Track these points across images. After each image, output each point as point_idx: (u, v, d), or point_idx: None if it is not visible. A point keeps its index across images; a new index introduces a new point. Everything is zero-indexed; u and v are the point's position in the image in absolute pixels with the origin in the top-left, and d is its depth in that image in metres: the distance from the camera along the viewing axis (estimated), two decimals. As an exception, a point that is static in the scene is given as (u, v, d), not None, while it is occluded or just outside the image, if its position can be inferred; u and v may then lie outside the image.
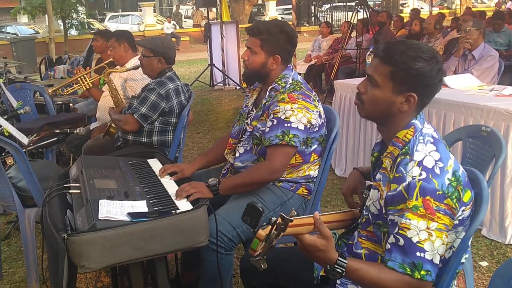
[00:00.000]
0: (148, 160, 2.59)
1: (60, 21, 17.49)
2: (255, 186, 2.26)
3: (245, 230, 2.18)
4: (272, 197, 2.28)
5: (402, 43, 1.53)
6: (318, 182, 2.35)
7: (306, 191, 2.34)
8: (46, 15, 14.92)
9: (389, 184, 1.48)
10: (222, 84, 9.96)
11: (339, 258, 1.41)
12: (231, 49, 9.87)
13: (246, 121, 2.42)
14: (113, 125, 3.45)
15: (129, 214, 1.78)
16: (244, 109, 2.51)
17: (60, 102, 4.92)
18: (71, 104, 5.01)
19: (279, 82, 2.31)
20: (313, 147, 2.30)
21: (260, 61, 2.30)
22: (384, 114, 1.55)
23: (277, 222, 1.35)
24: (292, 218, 1.37)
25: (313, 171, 2.34)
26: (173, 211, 1.85)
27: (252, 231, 1.39)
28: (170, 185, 2.23)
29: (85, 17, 18.26)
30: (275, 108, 2.21)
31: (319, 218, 1.46)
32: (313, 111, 2.23)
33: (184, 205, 1.99)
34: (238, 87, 9.68)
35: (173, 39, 18.30)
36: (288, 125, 2.17)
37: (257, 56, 2.30)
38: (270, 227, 1.36)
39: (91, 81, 3.96)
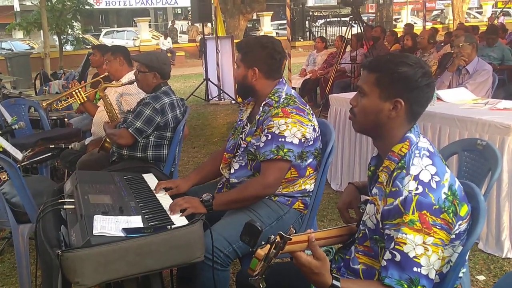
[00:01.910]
0: (143, 175, 2.58)
1: (55, 37, 17.53)
2: (249, 202, 2.25)
3: (241, 246, 2.16)
4: (268, 212, 2.27)
5: (388, 54, 1.59)
6: (314, 196, 2.35)
7: (302, 205, 2.33)
8: (41, 31, 14.97)
9: (386, 198, 1.48)
10: (217, 99, 9.98)
11: (333, 282, 1.39)
12: (226, 64, 9.91)
13: (241, 136, 2.42)
14: (108, 139, 3.44)
15: (124, 229, 1.77)
16: (239, 123, 2.51)
17: (55, 117, 4.91)
18: (66, 119, 5.00)
19: (272, 97, 2.31)
20: (308, 161, 2.29)
21: (241, 74, 2.34)
22: (374, 123, 1.56)
23: (276, 240, 1.34)
24: (291, 237, 1.36)
25: (309, 185, 2.34)
26: (169, 226, 1.84)
27: (251, 250, 1.38)
28: (165, 200, 2.22)
29: (80, 32, 18.32)
30: (269, 123, 2.21)
31: (314, 240, 1.44)
32: (307, 125, 2.23)
33: (179, 220, 1.98)
34: (233, 102, 9.70)
35: (169, 54, 18.38)
36: (283, 139, 2.17)
37: (239, 69, 2.35)
38: (269, 246, 1.35)
39: (86, 95, 3.96)
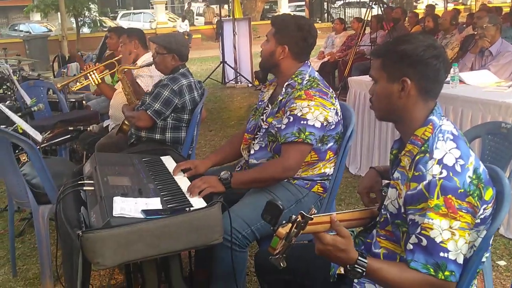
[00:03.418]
0: (161, 157, 2.60)
1: (72, 19, 17.61)
2: (268, 183, 2.25)
3: (259, 228, 2.18)
4: (287, 195, 2.26)
5: (395, 38, 1.60)
6: (334, 180, 2.34)
7: (321, 188, 2.33)
8: (58, 13, 15.04)
9: (408, 183, 1.46)
10: (234, 82, 9.97)
11: (359, 258, 1.39)
12: (243, 46, 9.87)
13: (262, 117, 2.41)
14: (126, 122, 3.46)
15: (143, 211, 1.78)
16: (260, 103, 2.50)
17: (73, 100, 4.95)
18: (84, 102, 5.04)
19: (296, 78, 2.30)
20: (329, 145, 2.28)
21: (270, 49, 2.33)
22: (389, 108, 1.56)
23: (297, 220, 1.34)
24: (312, 216, 1.36)
25: (329, 169, 2.33)
26: (187, 209, 1.85)
27: (272, 229, 1.38)
28: (183, 182, 2.23)
29: (97, 15, 18.38)
30: (292, 105, 2.20)
31: (336, 220, 1.44)
32: (330, 108, 2.22)
33: (198, 202, 1.99)
34: (250, 85, 9.67)
35: (186, 36, 18.35)
36: (305, 122, 2.16)
37: (268, 44, 2.34)
38: (290, 225, 1.35)
39: (101, 76, 3.97)
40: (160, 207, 1.87)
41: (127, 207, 1.80)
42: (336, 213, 1.52)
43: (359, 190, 1.89)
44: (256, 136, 2.41)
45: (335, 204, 2.75)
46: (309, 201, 2.29)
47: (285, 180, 2.29)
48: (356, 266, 1.39)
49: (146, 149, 2.80)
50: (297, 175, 2.28)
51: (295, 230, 1.35)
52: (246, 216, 2.16)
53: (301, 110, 2.17)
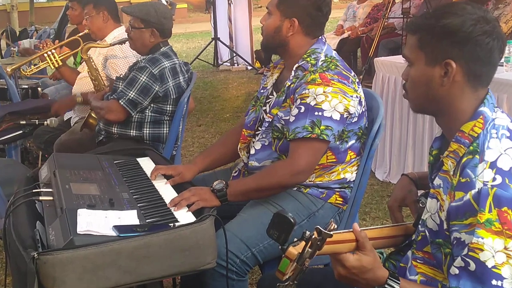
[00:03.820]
0: (138, 159, 2.59)
1: (24, -16, 17.61)
2: (273, 191, 2.25)
3: (262, 250, 2.18)
4: (297, 207, 2.26)
5: (436, 8, 1.58)
6: (356, 188, 2.34)
7: (341, 199, 2.33)
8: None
9: (453, 191, 1.45)
10: (229, 64, 9.99)
11: (390, 278, 1.40)
12: (240, 20, 9.89)
13: (264, 108, 2.41)
14: (93, 114, 3.46)
15: (116, 227, 1.78)
16: (262, 91, 2.50)
17: (26, 86, 4.93)
18: (39, 89, 5.03)
19: (308, 58, 2.29)
20: (350, 143, 2.28)
21: (274, 24, 2.32)
22: (428, 98, 1.55)
23: (313, 237, 1.34)
24: (331, 233, 1.35)
25: (350, 174, 2.33)
26: (171, 224, 1.85)
27: (280, 248, 1.38)
28: (166, 190, 2.23)
29: (56, -22, 18.39)
30: (303, 92, 2.19)
31: (361, 230, 1.44)
32: (351, 96, 2.22)
33: (185, 216, 1.99)
34: (249, 67, 9.69)
35: (168, 6, 18.34)
36: (320, 113, 2.16)
37: (271, 18, 2.33)
38: (303, 243, 1.35)
39: (62, 58, 3.96)
40: (137, 222, 1.86)
41: (95, 222, 1.80)
42: (360, 230, 1.52)
43: (389, 203, 1.89)
44: (257, 132, 2.40)
45: (359, 218, 2.75)
46: (325, 215, 2.29)
47: (295, 188, 2.28)
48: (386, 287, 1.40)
49: (118, 149, 2.80)
50: (310, 181, 2.28)
51: (309, 250, 1.35)
52: (245, 235, 2.16)
53: (315, 98, 2.17)
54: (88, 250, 1.67)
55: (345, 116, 2.20)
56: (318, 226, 1.36)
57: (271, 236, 1.41)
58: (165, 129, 3.22)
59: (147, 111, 3.15)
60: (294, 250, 1.37)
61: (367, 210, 3.96)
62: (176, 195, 2.17)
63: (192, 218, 1.96)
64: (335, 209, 2.32)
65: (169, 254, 1.77)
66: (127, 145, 2.98)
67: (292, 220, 1.38)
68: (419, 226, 1.61)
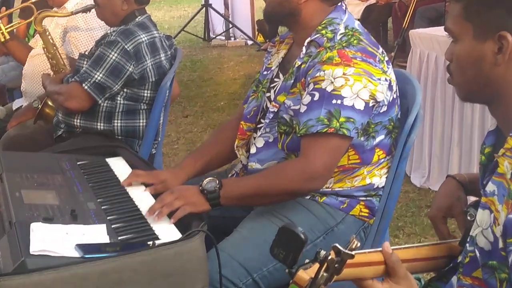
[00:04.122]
0: (107, 160, 2.60)
1: None
2: (280, 198, 2.26)
3: (266, 276, 2.18)
4: (311, 221, 2.27)
5: None
6: (386, 197, 2.34)
7: (366, 210, 2.33)
8: None
9: (510, 200, 1.45)
10: (224, 37, 9.99)
11: None
12: (238, -20, 9.90)
13: (268, 94, 2.41)
14: (49, 102, 3.45)
15: (79, 246, 1.78)
16: (265, 73, 2.50)
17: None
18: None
19: (324, 31, 2.29)
20: (378, 139, 2.29)
21: None
22: (478, 81, 1.55)
23: (329, 258, 1.33)
24: (353, 253, 1.35)
25: (378, 178, 2.33)
26: (150, 242, 1.84)
27: (288, 272, 1.37)
28: (143, 199, 2.23)
29: None
30: (318, 74, 2.19)
31: (392, 251, 1.44)
32: (379, 79, 2.21)
33: (167, 231, 1.99)
34: (249, 42, 9.69)
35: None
36: (339, 101, 2.15)
37: None
38: (317, 266, 1.35)
39: (10, 29, 3.95)
40: (106, 240, 1.86)
41: (52, 240, 1.79)
42: (391, 250, 1.51)
43: (431, 213, 1.88)
44: (259, 126, 2.41)
45: (389, 235, 2.74)
46: (346, 230, 2.29)
47: (308, 197, 2.29)
48: None
49: (82, 147, 2.81)
50: (327, 188, 2.28)
51: (325, 274, 1.34)
52: (244, 256, 2.16)
53: (332, 82, 2.16)
54: (44, 276, 1.66)
55: (371, 104, 2.19)
56: (336, 244, 1.35)
57: (275, 257, 1.40)
58: (141, 121, 3.22)
59: (118, 98, 3.15)
60: (305, 275, 1.35)
61: (400, 224, 3.95)
62: None
63: (177, 235, 1.96)
64: (359, 223, 2.32)
65: (147, 281, 1.77)
66: (94, 141, 2.99)
67: (302, 236, 1.37)
68: (467, 244, 1.60)
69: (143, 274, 1.77)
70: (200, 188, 2.19)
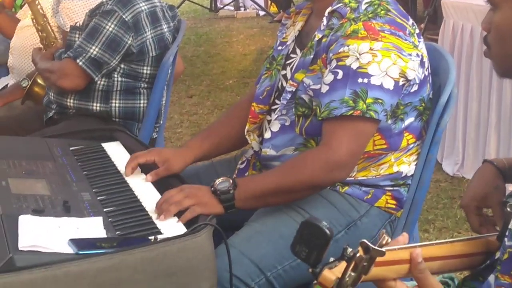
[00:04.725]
0: (103, 145, 2.61)
1: None
2: (302, 194, 2.25)
3: (281, 275, 2.18)
4: (331, 213, 2.26)
5: None
6: (416, 186, 2.34)
7: (394, 201, 2.33)
8: None
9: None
10: (232, 8, 9.98)
11: None
12: None
13: (284, 72, 2.41)
14: (39, 80, 3.45)
15: (73, 242, 1.78)
16: (280, 48, 2.50)
17: None
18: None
19: (347, 0, 2.28)
20: (408, 122, 2.29)
21: None
22: None
23: (357, 256, 1.33)
24: (384, 249, 1.35)
25: (407, 166, 2.33)
26: (152, 237, 1.85)
27: (311, 272, 1.37)
28: (144, 189, 2.24)
29: None
30: (341, 50, 2.18)
31: (421, 258, 1.44)
32: (409, 54, 2.21)
33: (171, 226, 2.00)
34: (261, 13, 9.66)
35: None
36: (365, 80, 2.15)
37: None
38: (344, 264, 1.34)
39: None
40: (103, 234, 1.87)
41: (43, 234, 1.80)
42: (421, 245, 1.51)
43: (463, 202, 1.88)
44: (273, 108, 2.41)
45: (419, 229, 2.74)
46: (370, 224, 2.30)
47: (329, 188, 2.29)
48: None
49: (76, 130, 2.81)
50: (350, 177, 2.28)
51: (352, 274, 1.34)
52: (258, 253, 2.16)
53: (358, 59, 2.16)
54: (35, 274, 1.66)
55: (401, 83, 2.19)
56: (365, 240, 1.35)
57: (297, 255, 1.38)
58: (141, 101, 3.22)
59: (115, 75, 3.16)
60: (331, 275, 1.34)
61: (431, 217, 3.96)
62: (159, 196, 2.17)
63: (182, 229, 1.97)
64: (385, 216, 2.32)
65: (148, 281, 1.77)
66: (89, 124, 2.99)
67: (327, 232, 1.36)
68: (506, 239, 1.60)
69: (144, 273, 1.76)
70: (212, 188, 2.18)
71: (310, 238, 1.38)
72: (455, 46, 4.54)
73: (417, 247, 1.45)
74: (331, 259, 1.37)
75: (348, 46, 2.17)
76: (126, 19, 3.07)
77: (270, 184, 2.21)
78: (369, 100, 2.14)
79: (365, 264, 1.34)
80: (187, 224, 2.01)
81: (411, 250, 1.44)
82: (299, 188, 2.21)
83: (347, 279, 1.34)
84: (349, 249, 1.34)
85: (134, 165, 2.37)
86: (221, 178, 2.21)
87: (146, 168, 2.38)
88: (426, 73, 2.30)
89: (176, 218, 2.05)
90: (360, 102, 2.14)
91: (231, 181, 2.19)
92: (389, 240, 1.37)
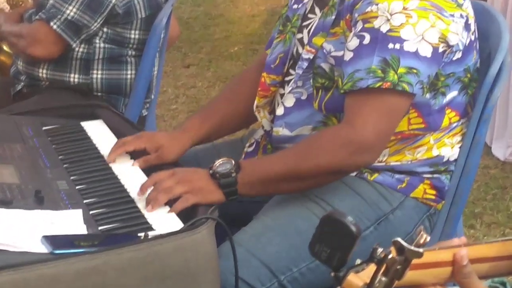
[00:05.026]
0: (82, 124, 2.62)
1: None
2: (319, 181, 2.25)
3: (297, 278, 2.19)
4: (358, 206, 2.28)
5: None
6: (460, 173, 2.34)
7: (433, 191, 2.33)
8: None
9: None
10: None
11: None
12: None
13: (300, 36, 2.41)
14: (5, 47, 3.46)
15: (47, 239, 1.79)
16: (295, 7, 2.50)
17: None
18: None
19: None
20: (450, 96, 2.29)
21: None
22: None
23: (389, 257, 1.33)
24: (421, 250, 1.34)
25: (449, 149, 2.34)
26: (142, 234, 1.86)
27: (334, 276, 1.37)
28: (132, 177, 2.25)
29: None
30: (369, 9, 2.18)
31: (466, 259, 1.44)
32: (452, 15, 2.21)
33: (164, 219, 2.00)
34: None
35: None
36: (398, 46, 2.15)
37: None
38: (373, 267, 1.34)
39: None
40: (83, 230, 1.88)
41: (12, 230, 1.80)
42: (466, 245, 1.51)
43: None
44: (287, 79, 2.41)
45: (463, 225, 2.74)
46: (404, 218, 2.31)
47: (353, 174, 2.30)
48: None
49: (50, 106, 2.82)
50: (380, 162, 2.29)
51: (383, 279, 1.34)
52: (269, 252, 2.17)
53: (388, 20, 2.16)
54: (2, 277, 1.66)
55: (441, 50, 2.19)
56: (398, 239, 1.35)
57: (317, 256, 1.37)
58: (128, 71, 3.24)
59: (97, 41, 3.16)
60: (357, 280, 1.34)
61: (478, 211, 3.96)
62: None
63: (178, 224, 1.97)
64: (422, 208, 2.33)
65: (137, 286, 1.78)
66: (65, 99, 3.01)
67: (354, 229, 1.35)
68: None
69: (132, 276, 1.77)
70: (211, 171, 2.18)
71: (332, 236, 1.37)
72: (508, 5, 4.52)
73: (462, 246, 1.45)
74: (358, 261, 1.37)
75: (377, 4, 2.17)
76: None
77: (280, 167, 2.21)
78: (401, 70, 2.14)
79: (398, 267, 1.33)
80: (184, 218, 2.00)
81: (454, 250, 1.44)
82: (315, 173, 2.21)
83: (377, 285, 1.33)
84: (379, 249, 1.34)
85: (120, 152, 2.38)
86: (222, 159, 2.20)
87: (134, 154, 2.38)
88: (472, 38, 2.29)
89: (168, 209, 2.05)
90: (391, 72, 2.14)
91: (233, 162, 2.19)
92: (428, 238, 1.36)
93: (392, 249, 1.33)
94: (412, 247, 1.32)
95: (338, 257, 1.36)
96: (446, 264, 1.45)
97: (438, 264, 1.44)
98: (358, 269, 1.36)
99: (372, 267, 1.34)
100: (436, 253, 1.45)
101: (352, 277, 1.34)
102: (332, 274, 1.36)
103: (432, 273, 1.44)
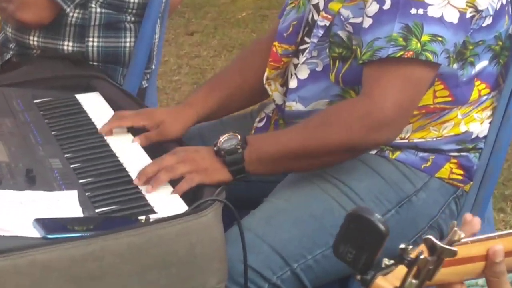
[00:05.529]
0: (77, 96, 2.62)
1: None
2: (335, 158, 2.25)
3: (311, 266, 2.19)
4: (378, 186, 2.28)
5: None
6: (490, 152, 2.34)
7: (460, 171, 2.33)
8: None
9: None
10: None
11: None
12: None
13: (314, 1, 2.40)
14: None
15: (40, 222, 1.79)
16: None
17: None
18: None
19: None
20: (479, 66, 2.28)
21: None
22: None
23: (420, 258, 1.32)
24: (456, 249, 1.33)
25: (478, 124, 2.34)
26: (142, 217, 1.86)
27: (360, 280, 1.36)
28: (132, 155, 2.26)
29: None
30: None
31: (501, 256, 1.42)
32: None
33: (167, 201, 2.01)
34: None
35: None
36: (421, 11, 2.14)
37: None
38: (403, 269, 1.33)
39: None
40: (79, 213, 1.88)
41: (0, 213, 1.81)
42: (498, 235, 1.50)
43: None
44: (301, 48, 2.41)
45: (493, 209, 2.74)
46: (429, 200, 2.30)
47: (373, 152, 2.30)
48: None
49: (42, 77, 2.83)
50: (402, 138, 2.29)
51: (413, 281, 1.34)
52: (280, 239, 2.18)
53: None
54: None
55: (468, 15, 2.18)
56: (430, 237, 1.33)
57: (341, 257, 1.36)
58: (127, 39, 3.23)
59: (93, 6, 3.14)
60: (386, 284, 1.32)
61: (509, 192, 3.97)
62: (150, 161, 2.18)
63: (181, 206, 1.97)
64: (448, 190, 2.33)
65: (137, 273, 1.78)
66: (58, 69, 3.00)
67: (382, 228, 1.33)
68: None
69: (132, 263, 1.77)
70: (215, 148, 2.18)
71: (358, 235, 1.36)
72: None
73: (496, 238, 1.45)
74: (385, 261, 1.36)
75: None
76: None
77: (291, 143, 2.22)
78: (425, 38, 2.13)
79: (431, 267, 1.33)
80: (188, 200, 2.00)
81: (488, 244, 1.43)
82: (330, 150, 2.21)
83: (409, 286, 1.34)
84: (409, 248, 1.32)
85: (117, 126, 2.39)
86: (227, 134, 2.20)
87: (134, 131, 2.38)
88: (504, 1, 2.28)
89: (171, 190, 2.05)
90: (413, 40, 2.13)
91: (239, 137, 2.19)
92: (462, 235, 1.34)
93: (422, 245, 1.32)
94: (446, 246, 1.31)
95: (364, 258, 1.35)
96: (479, 259, 1.44)
97: (471, 259, 1.42)
98: (386, 272, 1.34)
99: (401, 269, 1.33)
100: (468, 248, 1.43)
101: (380, 281, 1.32)
102: (358, 277, 1.35)
103: (462, 270, 1.42)
